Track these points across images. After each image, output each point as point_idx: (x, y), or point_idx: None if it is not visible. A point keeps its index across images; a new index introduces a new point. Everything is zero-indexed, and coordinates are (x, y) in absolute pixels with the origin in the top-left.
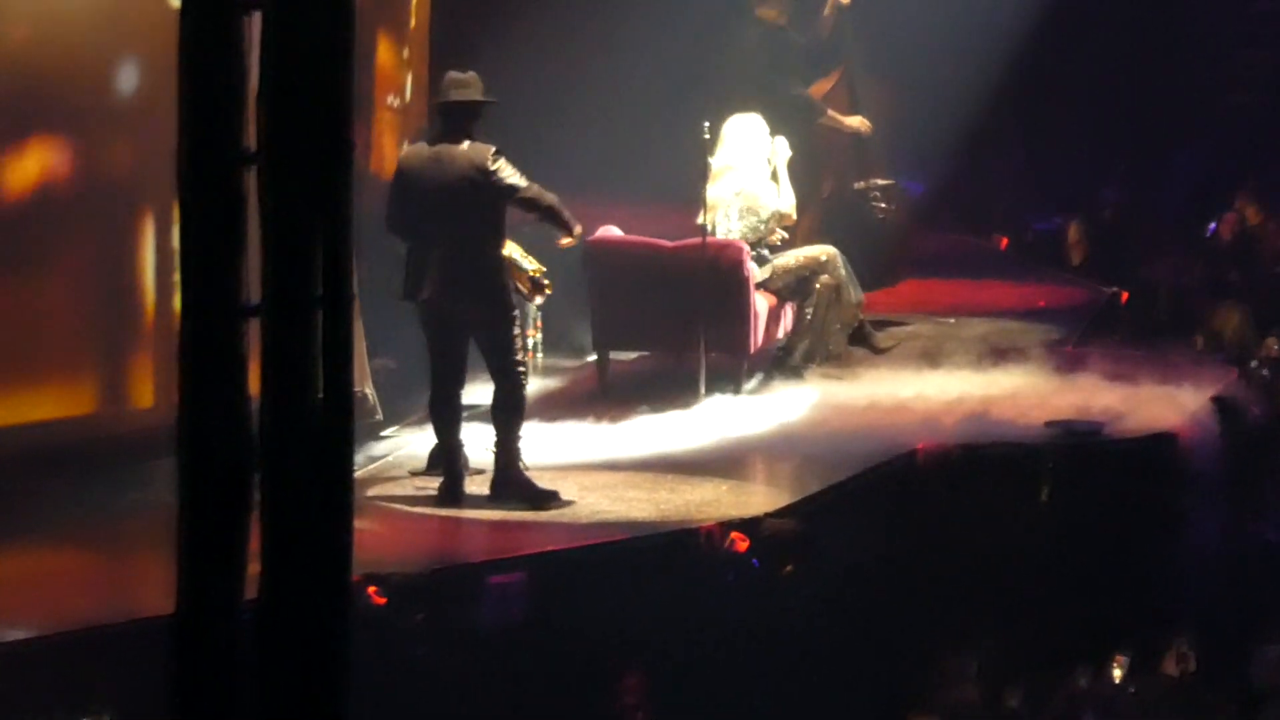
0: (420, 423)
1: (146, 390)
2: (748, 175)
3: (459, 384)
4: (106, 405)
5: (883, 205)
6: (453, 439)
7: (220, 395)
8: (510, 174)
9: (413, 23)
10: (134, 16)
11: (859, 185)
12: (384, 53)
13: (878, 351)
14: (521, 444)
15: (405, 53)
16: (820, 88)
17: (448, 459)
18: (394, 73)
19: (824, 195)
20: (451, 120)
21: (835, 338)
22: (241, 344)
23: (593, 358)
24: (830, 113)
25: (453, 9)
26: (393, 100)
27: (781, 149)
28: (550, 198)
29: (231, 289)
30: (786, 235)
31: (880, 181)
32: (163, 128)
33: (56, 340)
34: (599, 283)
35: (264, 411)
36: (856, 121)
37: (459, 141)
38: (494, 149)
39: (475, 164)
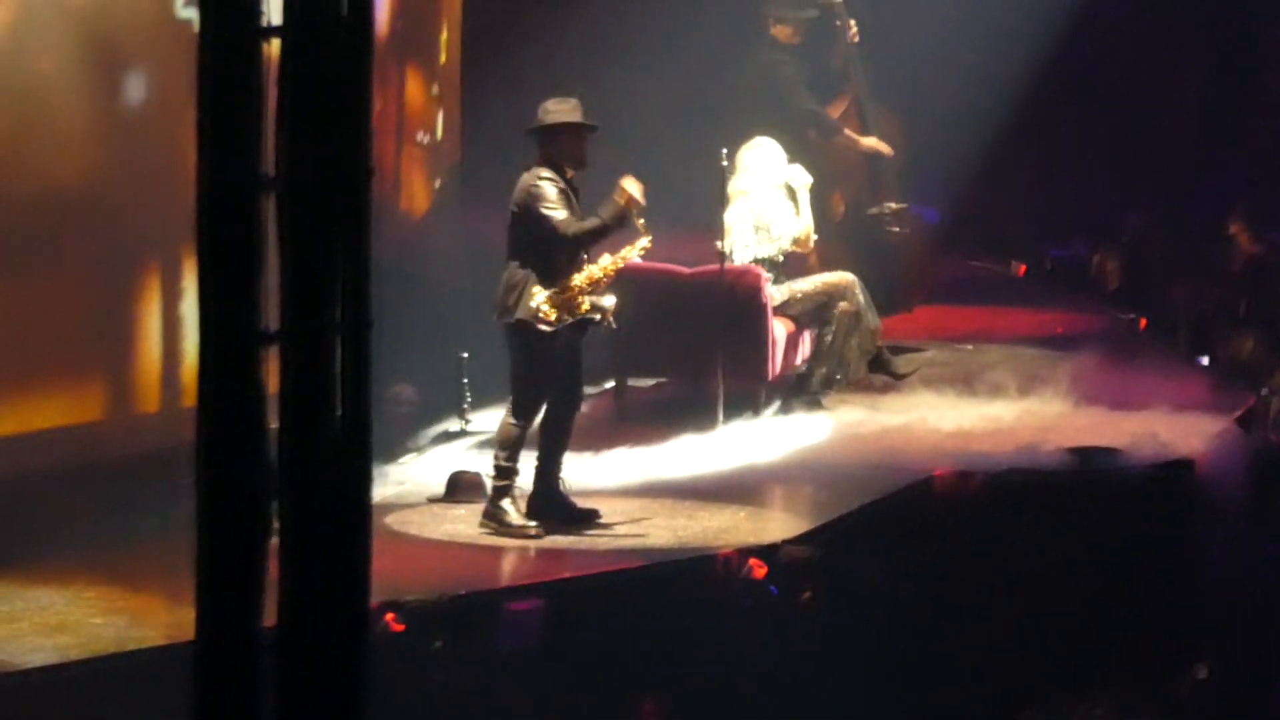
0: (437, 446)
1: (152, 396)
2: (762, 199)
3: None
4: (112, 412)
5: (896, 229)
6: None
7: (238, 421)
8: (543, 204)
9: (443, 58)
10: (142, 23)
11: (873, 210)
12: (413, 88)
13: (896, 378)
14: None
15: (435, 89)
16: (830, 113)
17: (508, 483)
18: (423, 109)
19: (837, 219)
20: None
21: (854, 364)
22: (260, 370)
23: (611, 384)
24: (846, 132)
25: (484, 43)
26: (422, 137)
27: (800, 176)
28: (575, 228)
29: (250, 315)
30: (810, 244)
31: (893, 205)
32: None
33: (60, 346)
34: (618, 309)
35: (282, 438)
36: (873, 142)
37: (530, 166)
38: (538, 177)
39: (520, 189)
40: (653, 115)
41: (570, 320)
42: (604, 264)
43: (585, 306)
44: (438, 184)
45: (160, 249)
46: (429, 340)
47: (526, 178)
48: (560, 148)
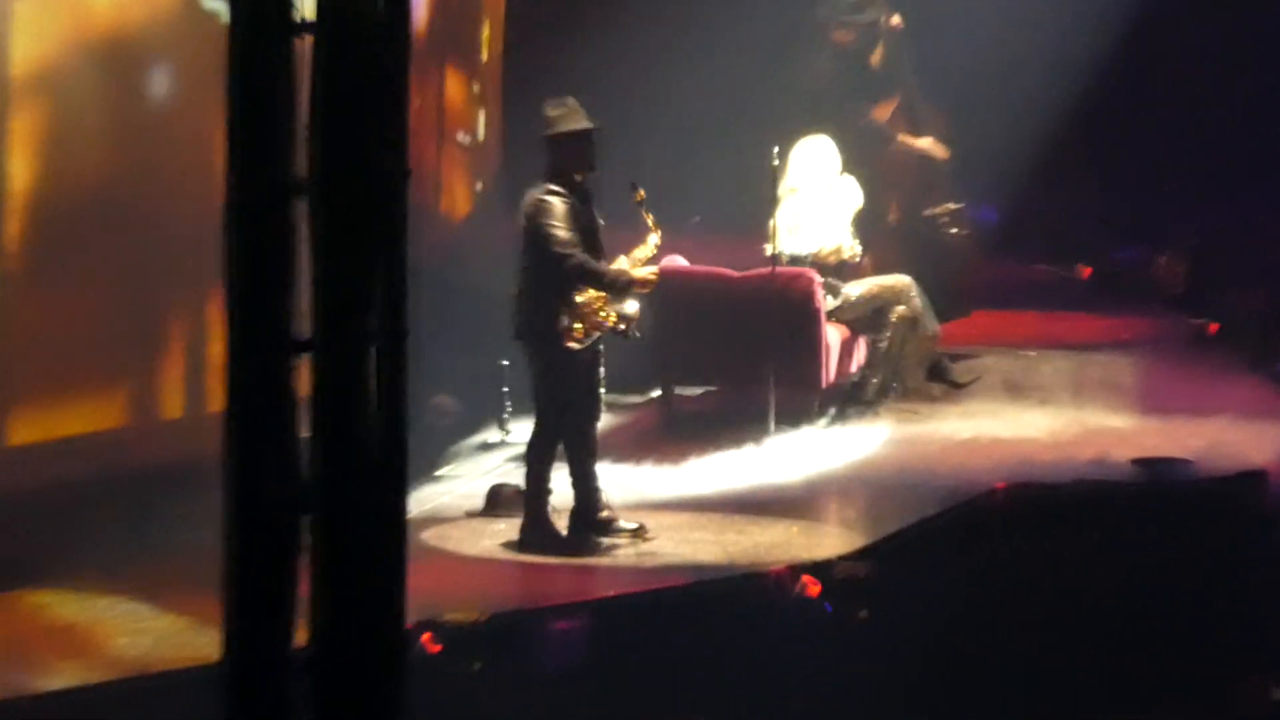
0: (477, 457)
1: (176, 401)
2: (811, 198)
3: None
4: (136, 418)
5: (954, 231)
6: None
7: (269, 434)
8: (548, 222)
9: (485, 56)
10: (167, 16)
11: (929, 212)
12: (453, 87)
13: (956, 386)
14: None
15: (476, 87)
16: (880, 112)
17: (543, 500)
18: (465, 108)
19: (891, 223)
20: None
21: (911, 371)
22: (292, 380)
23: (657, 393)
24: (901, 138)
25: (528, 39)
26: (463, 138)
27: (853, 195)
28: (576, 262)
29: (281, 323)
30: (859, 254)
31: (951, 206)
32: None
33: (83, 351)
34: (663, 315)
35: (315, 451)
36: (927, 143)
37: (541, 177)
38: (545, 192)
39: (527, 203)
40: (702, 113)
41: (599, 335)
42: (646, 271)
43: (612, 318)
44: (479, 187)
45: (185, 252)
46: (468, 349)
47: (533, 193)
48: (564, 156)
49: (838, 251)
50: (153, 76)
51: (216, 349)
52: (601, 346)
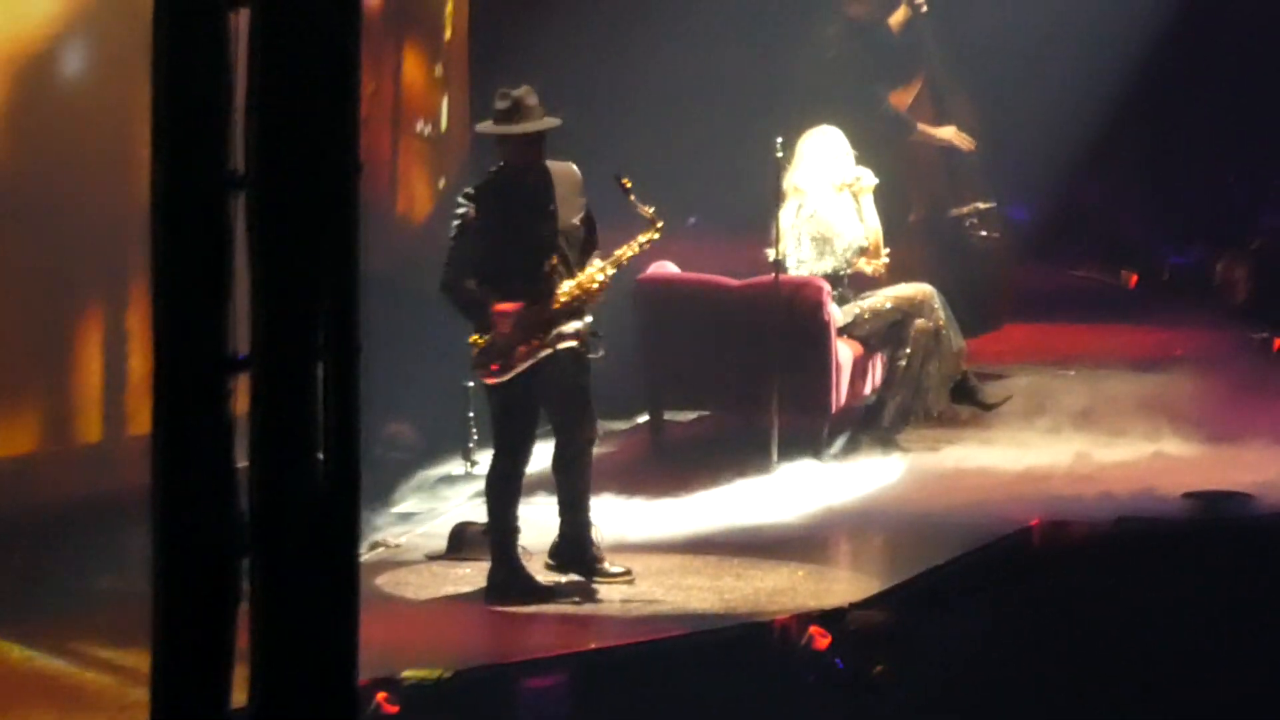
0: (439, 493)
1: (93, 423)
2: (821, 199)
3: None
4: (46, 443)
5: (983, 233)
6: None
7: (202, 465)
8: (452, 221)
9: (448, 33)
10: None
11: (955, 211)
12: (411, 69)
13: (985, 408)
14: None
15: (439, 70)
16: (900, 99)
17: (508, 543)
18: (425, 94)
19: (912, 222)
20: None
21: (934, 393)
22: (228, 403)
23: (644, 419)
24: (922, 127)
25: (496, 15)
26: (424, 128)
27: (867, 178)
28: (447, 281)
29: (216, 338)
30: (882, 266)
31: (980, 205)
32: (114, 119)
33: None
34: (652, 329)
35: (254, 484)
36: (950, 133)
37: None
38: (463, 193)
39: None
40: (696, 95)
41: (525, 366)
42: (586, 275)
43: (540, 342)
44: (442, 183)
45: (102, 252)
46: (430, 368)
47: (461, 191)
48: (505, 153)
49: (876, 249)
50: (63, 54)
51: (139, 365)
52: (597, 356)
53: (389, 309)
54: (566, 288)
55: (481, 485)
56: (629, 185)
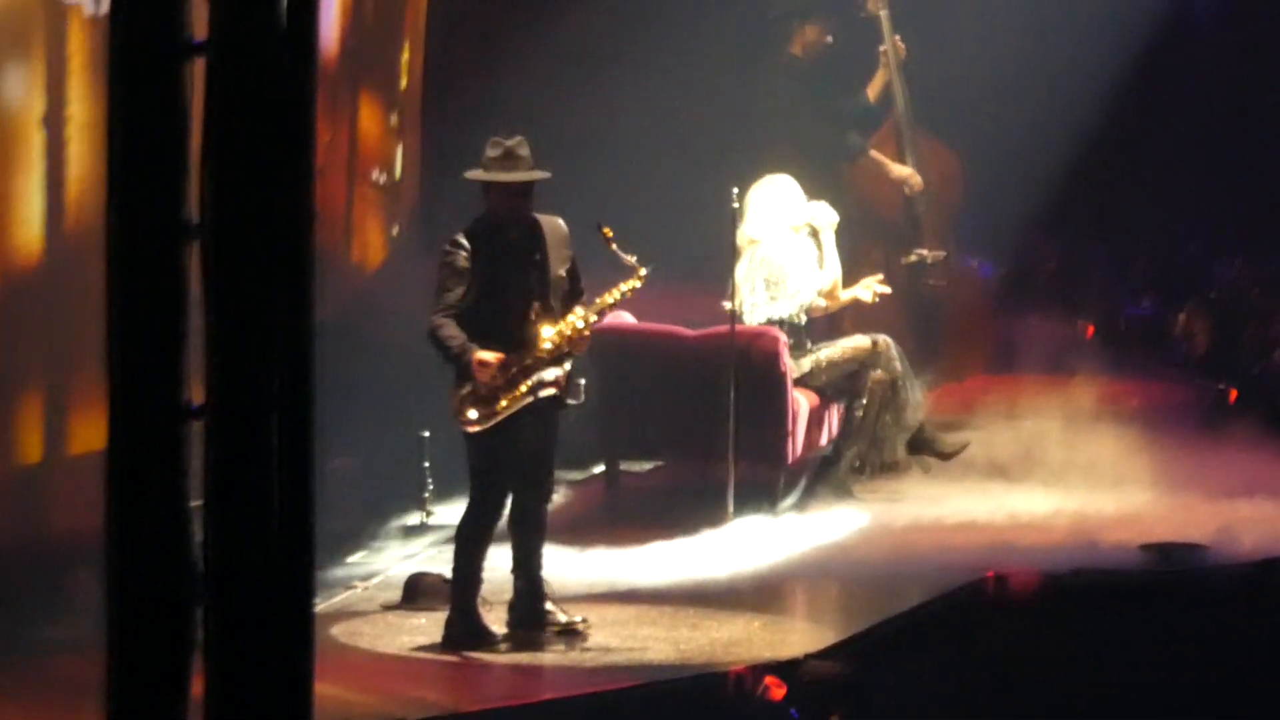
0: (393, 543)
1: (34, 442)
2: (776, 246)
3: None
4: None
5: (932, 281)
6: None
7: (156, 514)
8: (440, 274)
9: (403, 83)
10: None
11: (908, 259)
12: (368, 118)
13: (942, 458)
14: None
15: (393, 119)
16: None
17: (470, 594)
18: (380, 142)
19: (873, 269)
20: None
21: (890, 443)
22: (182, 453)
23: (599, 469)
24: (874, 154)
25: (450, 64)
26: (378, 176)
27: (825, 214)
28: (434, 326)
29: (170, 387)
30: (840, 301)
31: (925, 252)
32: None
33: None
34: (607, 379)
35: (209, 534)
36: (906, 172)
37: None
38: (451, 240)
39: None
40: (649, 147)
41: (504, 414)
42: (567, 323)
43: (521, 390)
44: (395, 231)
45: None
46: (385, 417)
47: (448, 240)
48: (491, 203)
49: (834, 292)
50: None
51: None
52: (578, 402)
53: (343, 358)
54: (548, 334)
55: (437, 536)
56: (610, 234)
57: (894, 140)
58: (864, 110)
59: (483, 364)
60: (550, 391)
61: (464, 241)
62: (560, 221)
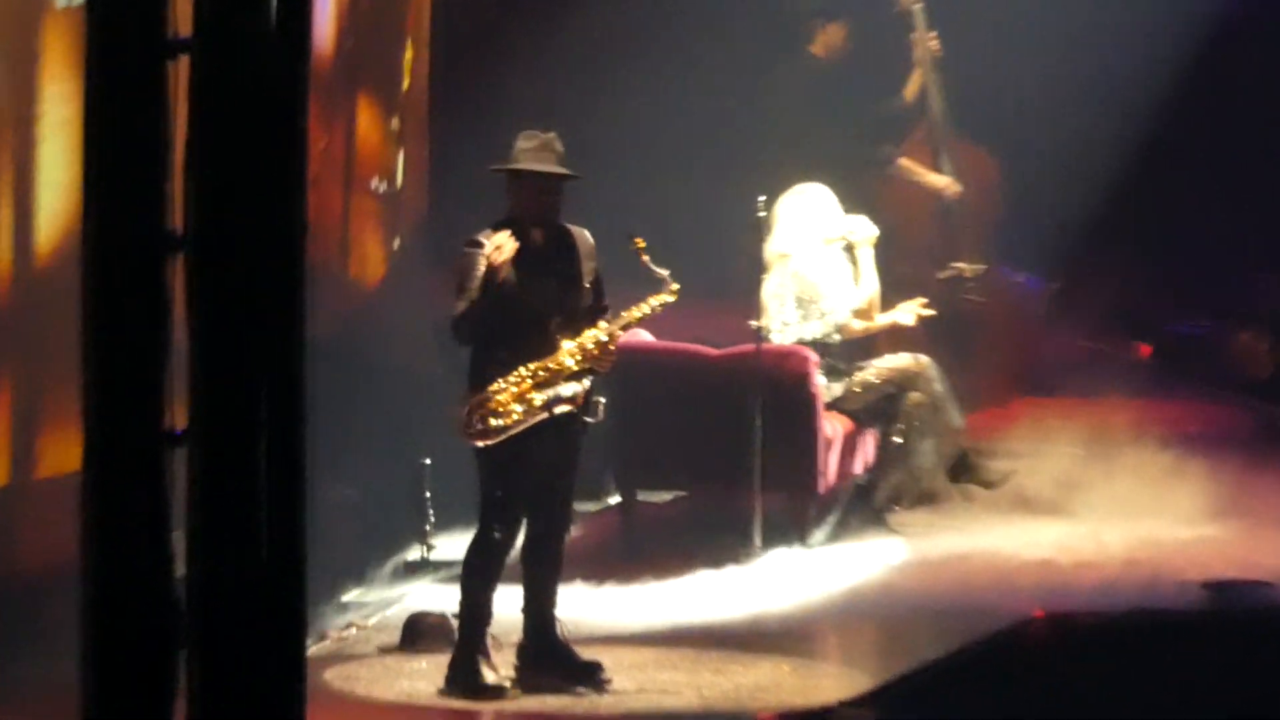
0: (393, 580)
1: (0, 464)
2: (806, 258)
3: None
4: None
5: (971, 298)
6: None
7: (136, 548)
8: (458, 279)
9: (406, 83)
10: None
11: (943, 274)
12: (366, 121)
13: (986, 488)
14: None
15: (394, 123)
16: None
17: (478, 632)
18: (380, 148)
19: (907, 284)
20: None
21: (930, 472)
22: (164, 482)
23: (615, 499)
24: (904, 162)
25: (460, 64)
26: (378, 184)
27: (863, 228)
28: (459, 330)
29: (152, 411)
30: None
31: (965, 266)
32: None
33: None
34: (623, 402)
35: (192, 570)
36: (943, 181)
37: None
38: (470, 241)
39: None
40: (673, 151)
41: (517, 428)
42: (589, 337)
43: (536, 403)
44: (397, 244)
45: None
46: (383, 443)
47: (466, 240)
48: (515, 198)
49: (870, 310)
50: None
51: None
52: (596, 419)
53: (339, 380)
54: (569, 348)
55: (440, 572)
56: (643, 245)
57: (928, 145)
58: (897, 113)
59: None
60: (567, 408)
61: (482, 240)
62: (587, 233)
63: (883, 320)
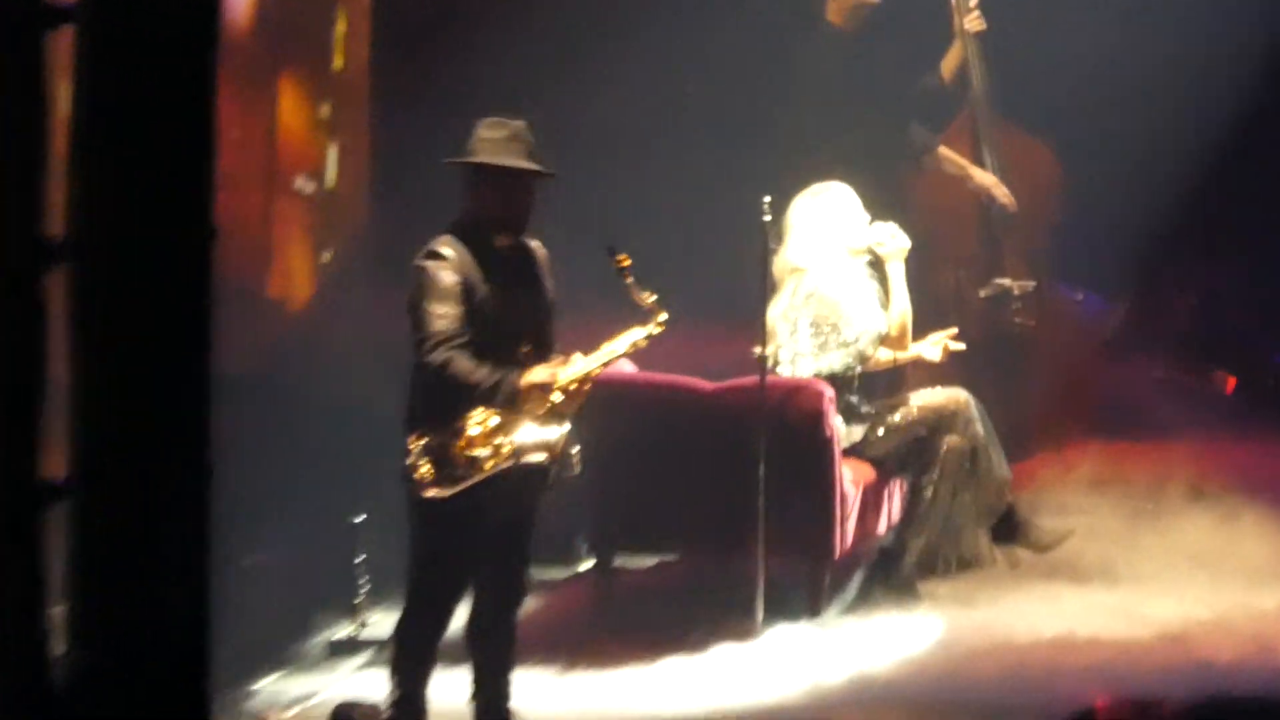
0: (317, 662)
1: None
2: (825, 274)
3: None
4: None
5: (1018, 320)
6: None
7: (7, 625)
8: (424, 299)
9: (339, 62)
10: None
11: (985, 291)
12: (291, 109)
13: (1038, 550)
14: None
15: (324, 109)
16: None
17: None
18: (308, 140)
19: (942, 298)
20: None
21: (970, 531)
22: (41, 542)
23: (588, 565)
24: (945, 151)
25: (407, 41)
26: (305, 185)
27: (894, 239)
28: (434, 360)
29: (24, 459)
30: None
31: (1011, 282)
32: None
33: None
34: (600, 447)
35: (71, 651)
36: (989, 179)
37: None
38: (429, 253)
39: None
40: (660, 146)
41: (475, 478)
42: (568, 373)
43: (505, 450)
44: (328, 256)
45: None
46: (309, 497)
47: (423, 251)
48: (478, 199)
49: (902, 337)
50: None
51: None
52: (572, 474)
53: (255, 421)
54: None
55: (372, 653)
56: (626, 263)
57: (969, 135)
58: (933, 94)
59: (539, 389)
60: (540, 457)
61: (445, 251)
62: (540, 244)
63: (908, 353)
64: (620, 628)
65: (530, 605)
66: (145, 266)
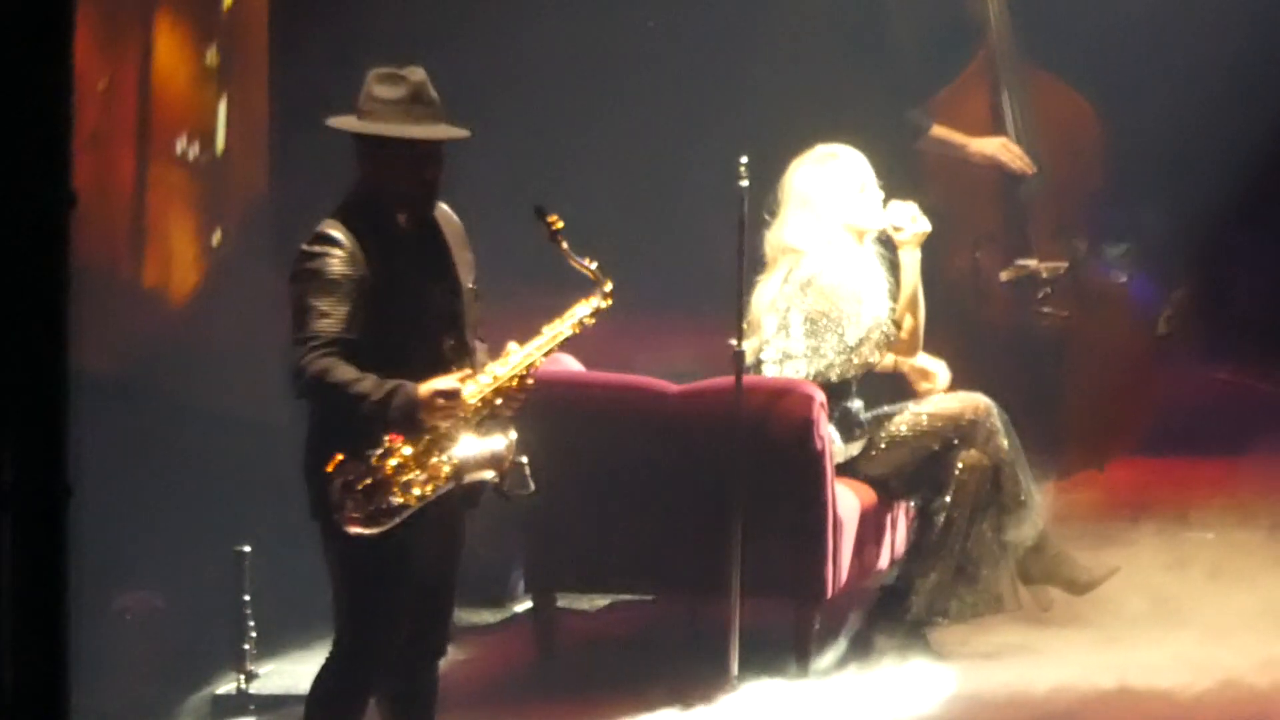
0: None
1: None
2: (826, 257)
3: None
4: None
5: (1048, 309)
6: None
7: None
8: (306, 293)
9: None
10: None
11: (1007, 274)
12: (168, 55)
13: (1073, 591)
14: None
15: (210, 56)
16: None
17: None
18: (190, 94)
19: (958, 288)
20: None
21: (990, 568)
22: None
23: (525, 606)
24: (939, 132)
25: None
26: (189, 148)
27: (914, 221)
28: (310, 370)
29: None
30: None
31: (1038, 264)
32: None
33: None
34: (539, 463)
35: None
36: (994, 146)
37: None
38: (317, 236)
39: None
40: (620, 98)
41: (411, 508)
42: (506, 370)
43: (445, 470)
44: (217, 237)
45: None
46: (189, 524)
47: (310, 235)
48: (377, 172)
49: (913, 337)
50: None
51: None
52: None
53: (131, 432)
54: (478, 386)
55: (263, 711)
56: (558, 225)
57: (985, 83)
58: (944, 37)
59: (442, 397)
60: (486, 475)
61: (337, 235)
62: (450, 211)
63: (920, 363)
64: (566, 682)
65: (457, 657)
66: None
